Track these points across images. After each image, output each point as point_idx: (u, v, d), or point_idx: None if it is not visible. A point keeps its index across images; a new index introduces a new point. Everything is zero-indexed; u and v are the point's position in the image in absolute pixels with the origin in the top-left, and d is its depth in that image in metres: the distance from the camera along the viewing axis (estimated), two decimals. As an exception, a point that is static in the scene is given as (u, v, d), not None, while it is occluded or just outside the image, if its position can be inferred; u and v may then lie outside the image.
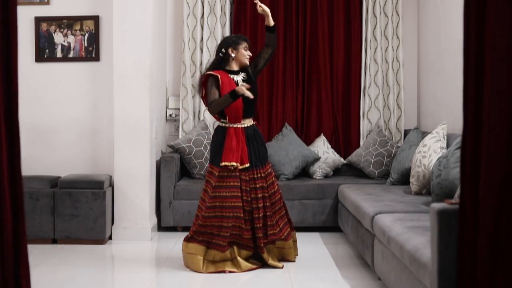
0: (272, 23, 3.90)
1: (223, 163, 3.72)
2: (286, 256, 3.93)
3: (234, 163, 3.72)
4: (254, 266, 3.80)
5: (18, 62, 1.79)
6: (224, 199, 3.73)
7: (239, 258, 3.75)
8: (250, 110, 3.90)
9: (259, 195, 3.78)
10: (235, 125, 3.83)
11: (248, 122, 3.89)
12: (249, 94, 3.69)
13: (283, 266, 3.85)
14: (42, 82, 5.05)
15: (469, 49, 1.86)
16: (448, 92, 4.71)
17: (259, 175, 3.82)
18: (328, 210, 4.92)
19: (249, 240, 3.78)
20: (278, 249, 3.89)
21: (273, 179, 3.92)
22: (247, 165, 3.77)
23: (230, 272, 3.72)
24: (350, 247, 4.45)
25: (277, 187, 3.92)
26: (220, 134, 3.85)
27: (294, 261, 3.95)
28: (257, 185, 3.79)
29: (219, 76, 3.81)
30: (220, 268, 3.74)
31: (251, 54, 3.94)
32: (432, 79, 5.18)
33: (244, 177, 3.77)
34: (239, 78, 3.89)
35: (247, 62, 3.92)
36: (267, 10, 3.87)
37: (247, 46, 3.91)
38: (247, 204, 3.77)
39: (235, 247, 3.77)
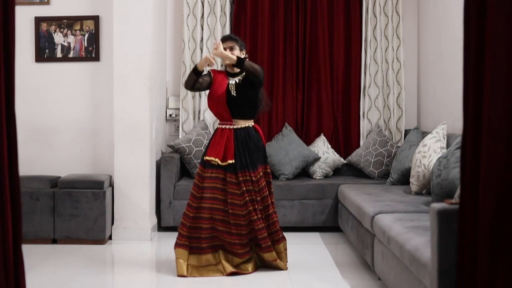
0: (231, 60, 3.72)
1: (206, 157, 3.73)
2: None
3: (214, 158, 3.69)
4: (238, 271, 3.70)
5: (15, 61, 1.79)
6: (206, 200, 3.68)
7: (223, 262, 3.69)
8: (240, 111, 3.77)
9: (247, 198, 3.66)
10: (223, 126, 3.80)
11: (242, 124, 3.78)
12: (211, 59, 3.70)
13: (287, 268, 3.82)
14: (42, 82, 5.05)
15: (469, 49, 1.86)
16: (448, 92, 4.71)
17: (248, 177, 3.69)
18: (328, 210, 4.92)
19: (235, 245, 3.67)
20: None
21: (264, 183, 3.77)
22: (231, 161, 3.67)
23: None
24: (350, 247, 4.45)
25: (266, 193, 3.77)
26: (212, 135, 3.88)
27: (286, 269, 3.81)
28: (243, 188, 3.66)
29: (211, 72, 3.86)
30: (204, 275, 3.66)
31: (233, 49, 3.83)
32: (432, 79, 5.18)
33: (231, 180, 3.68)
34: (232, 81, 3.81)
35: (231, 56, 3.75)
36: (219, 52, 3.69)
37: (223, 46, 3.77)
38: (234, 207, 3.65)
39: (220, 252, 3.71)
